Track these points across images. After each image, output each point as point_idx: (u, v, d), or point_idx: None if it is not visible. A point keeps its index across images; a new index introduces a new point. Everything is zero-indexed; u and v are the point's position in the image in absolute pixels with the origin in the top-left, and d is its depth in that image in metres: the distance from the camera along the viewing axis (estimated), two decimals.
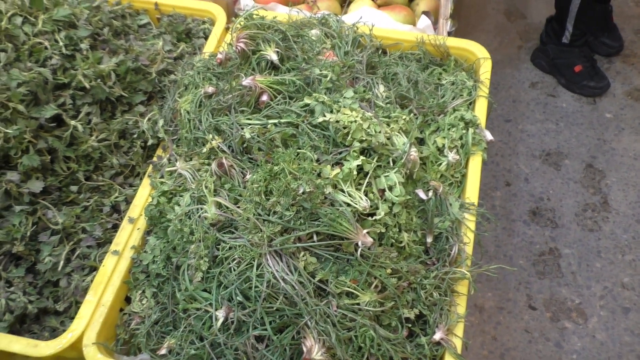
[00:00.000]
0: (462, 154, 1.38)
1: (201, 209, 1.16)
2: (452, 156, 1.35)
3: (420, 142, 1.38)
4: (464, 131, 1.40)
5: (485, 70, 1.53)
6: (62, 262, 1.25)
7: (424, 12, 1.85)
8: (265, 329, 1.07)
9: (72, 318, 1.29)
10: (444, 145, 1.37)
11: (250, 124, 1.19)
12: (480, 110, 1.46)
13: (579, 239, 2.52)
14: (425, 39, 1.60)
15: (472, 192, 1.33)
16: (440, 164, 1.35)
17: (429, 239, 1.22)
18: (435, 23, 1.87)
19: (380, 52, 1.56)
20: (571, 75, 2.90)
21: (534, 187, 2.67)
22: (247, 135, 1.15)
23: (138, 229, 1.31)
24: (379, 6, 1.88)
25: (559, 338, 2.27)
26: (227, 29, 1.69)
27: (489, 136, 1.41)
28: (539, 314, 2.33)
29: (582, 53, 2.88)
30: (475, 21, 3.31)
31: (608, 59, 3.07)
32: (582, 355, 2.23)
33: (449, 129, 1.39)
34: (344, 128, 1.15)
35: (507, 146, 2.80)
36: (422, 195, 1.22)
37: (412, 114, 1.32)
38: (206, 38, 1.68)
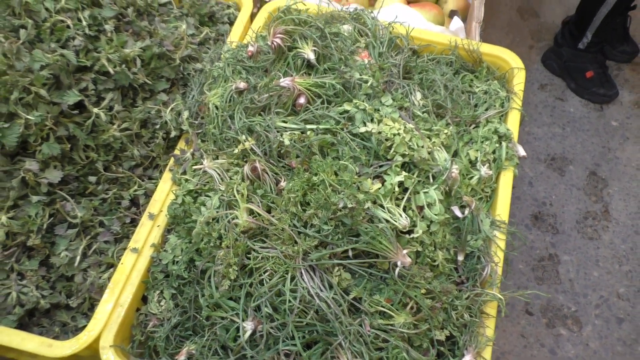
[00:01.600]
0: (494, 169, 1.35)
1: (231, 214, 1.11)
2: (484, 170, 1.32)
3: (454, 154, 1.35)
4: (497, 145, 1.36)
5: (519, 82, 1.50)
6: (78, 258, 1.19)
7: (453, 12, 1.80)
8: (295, 344, 1.04)
9: (84, 314, 1.24)
10: (476, 159, 1.34)
11: (287, 128, 1.14)
12: (513, 124, 1.42)
13: (579, 246, 2.53)
14: (458, 43, 1.55)
15: (502, 209, 1.31)
16: (472, 177, 1.32)
17: (461, 257, 1.20)
18: (463, 22, 1.82)
19: (415, 55, 1.51)
20: (582, 80, 2.88)
21: (537, 192, 2.67)
22: (287, 142, 1.10)
23: (158, 226, 1.26)
24: (409, 2, 1.81)
25: (554, 344, 2.30)
26: (252, 16, 1.61)
27: (521, 152, 1.38)
28: (535, 319, 2.35)
29: (595, 59, 2.86)
30: (487, 17, 3.24)
31: (617, 66, 3.06)
32: None
33: (482, 142, 1.36)
34: (386, 140, 1.11)
35: None
36: (457, 212, 1.19)
37: (449, 127, 1.27)
38: (231, 24, 1.61)
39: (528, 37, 3.17)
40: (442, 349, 1.13)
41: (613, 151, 2.81)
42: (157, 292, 1.22)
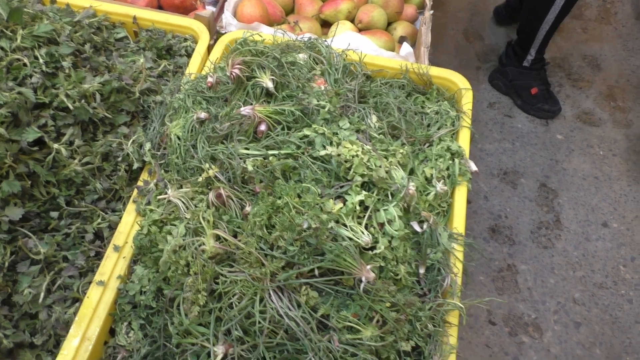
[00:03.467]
0: (449, 184, 1.42)
1: (198, 240, 1.13)
2: (440, 187, 1.38)
3: (410, 172, 1.41)
4: (450, 162, 1.44)
5: (467, 101, 1.58)
6: (42, 294, 1.18)
7: (402, 38, 1.89)
8: None
9: (50, 351, 1.22)
10: (432, 175, 1.41)
11: (249, 155, 1.17)
12: (464, 141, 1.50)
13: (535, 255, 2.64)
14: (409, 67, 1.63)
15: (459, 222, 1.37)
16: (429, 193, 1.39)
17: (422, 270, 1.25)
18: (412, 47, 1.91)
19: (368, 80, 1.58)
20: (528, 97, 3.04)
21: (492, 205, 2.78)
22: (250, 168, 1.13)
23: (124, 257, 1.26)
24: (360, 30, 1.90)
25: (517, 352, 2.37)
26: (209, 48, 1.65)
27: (473, 167, 1.45)
28: (498, 329, 2.43)
29: (539, 76, 3.03)
30: (435, 40, 3.41)
31: (559, 83, 3.25)
32: None
33: (436, 160, 1.43)
34: (346, 162, 1.16)
35: None
36: (417, 227, 1.24)
37: (405, 146, 1.34)
38: (188, 56, 1.64)
39: (475, 59, 3.33)
40: (408, 359, 1.17)
41: (560, 163, 2.96)
42: (125, 323, 1.21)
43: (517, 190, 2.84)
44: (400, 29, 1.96)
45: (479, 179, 2.85)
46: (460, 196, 1.42)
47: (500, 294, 2.51)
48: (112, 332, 1.24)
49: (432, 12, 2.11)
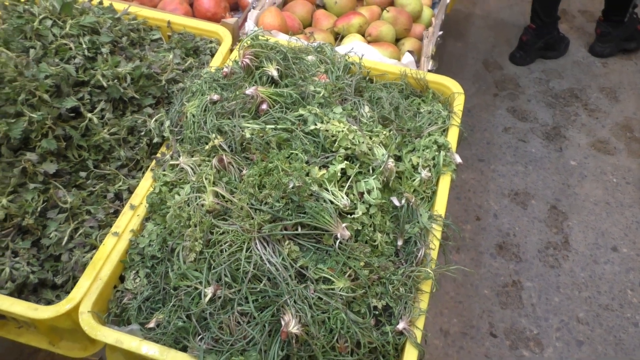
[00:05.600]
0: (434, 173, 1.55)
1: (200, 197, 1.31)
2: (424, 173, 1.52)
3: (398, 159, 1.55)
4: (436, 153, 1.57)
5: (458, 103, 1.73)
6: (66, 238, 1.37)
7: (408, 51, 2.06)
8: (249, 307, 1.20)
9: (68, 292, 1.40)
10: (418, 164, 1.55)
11: (250, 127, 1.35)
12: (452, 137, 1.64)
13: (541, 273, 2.69)
14: (407, 72, 1.80)
15: (440, 206, 1.50)
16: (415, 179, 1.52)
17: (400, 242, 1.38)
18: (417, 61, 2.08)
19: (367, 79, 1.75)
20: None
21: (501, 223, 2.86)
22: (247, 135, 1.31)
23: (138, 215, 1.44)
24: (369, 42, 2.09)
25: None
26: (231, 49, 1.87)
27: (458, 159, 1.59)
28: (499, 341, 2.47)
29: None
30: (456, 69, 3.58)
31: (575, 112, 3.34)
32: None
33: (423, 150, 1.57)
34: (332, 136, 1.32)
35: (479, 184, 3.01)
36: (396, 202, 1.38)
37: (392, 132, 1.49)
38: (212, 55, 1.86)
39: (493, 87, 3.47)
40: (380, 317, 1.29)
41: (572, 187, 3.02)
42: (133, 272, 1.38)
43: (527, 211, 2.91)
44: (408, 44, 2.14)
45: (490, 198, 2.95)
46: (444, 184, 1.55)
47: (503, 308, 2.57)
48: (122, 280, 1.41)
49: (441, 32, 2.28)
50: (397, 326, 1.26)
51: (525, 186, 3.01)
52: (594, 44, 3.66)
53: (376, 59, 1.89)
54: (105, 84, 1.49)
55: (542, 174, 3.07)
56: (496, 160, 3.11)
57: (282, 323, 1.14)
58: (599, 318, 2.55)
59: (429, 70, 1.94)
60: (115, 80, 1.51)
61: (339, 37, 2.15)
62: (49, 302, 1.38)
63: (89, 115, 1.45)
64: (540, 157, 3.14)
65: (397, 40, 2.21)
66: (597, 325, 2.53)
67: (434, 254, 1.40)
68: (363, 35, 2.12)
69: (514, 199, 2.96)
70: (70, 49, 1.51)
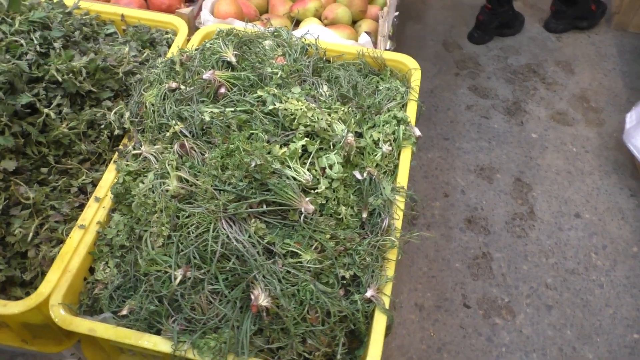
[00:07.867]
0: (395, 147, 1.59)
1: (164, 183, 1.32)
2: (385, 147, 1.55)
3: (359, 135, 1.58)
4: (396, 127, 1.61)
5: (415, 79, 1.77)
6: (31, 234, 1.36)
7: (365, 32, 2.09)
8: (219, 286, 1.22)
9: (36, 288, 1.39)
10: (379, 139, 1.58)
11: (209, 111, 1.37)
12: (411, 111, 1.68)
13: (509, 244, 2.77)
14: (365, 52, 1.83)
15: (402, 178, 1.54)
16: (376, 154, 1.56)
17: (364, 214, 1.41)
18: (374, 42, 2.12)
19: (325, 60, 1.78)
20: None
21: (469, 198, 2.93)
22: (207, 118, 1.32)
23: (103, 207, 1.44)
24: (326, 25, 2.11)
25: (490, 333, 2.48)
26: (188, 39, 1.87)
27: (417, 132, 1.63)
28: (472, 311, 2.54)
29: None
30: (417, 50, 3.63)
31: (533, 86, 3.43)
32: (510, 348, 2.44)
33: (383, 125, 1.60)
34: (291, 115, 1.34)
35: (446, 161, 3.07)
36: (358, 175, 1.41)
37: (350, 109, 1.52)
38: (169, 46, 1.86)
39: (453, 67, 3.53)
40: (349, 287, 1.32)
41: (535, 159, 3.11)
42: (103, 262, 1.38)
43: (492, 185, 2.98)
44: (365, 25, 2.18)
45: (456, 175, 3.01)
46: (405, 157, 1.59)
47: (474, 280, 2.63)
48: (92, 272, 1.41)
49: (397, 13, 2.32)
50: (366, 294, 1.30)
51: (490, 161, 3.08)
52: (548, 20, 3.76)
53: (334, 41, 1.91)
54: (60, 79, 1.48)
55: (506, 148, 3.15)
56: (461, 138, 3.18)
57: (252, 297, 1.17)
58: (566, 282, 2.64)
59: (386, 50, 1.97)
60: (71, 75, 1.50)
61: (295, 22, 2.17)
62: (18, 299, 1.37)
63: (46, 110, 1.44)
64: (503, 132, 3.22)
65: (354, 23, 2.24)
66: (564, 290, 2.62)
67: (398, 224, 1.44)
68: (320, 19, 2.15)
69: (479, 174, 3.03)
70: (22, 45, 1.50)
